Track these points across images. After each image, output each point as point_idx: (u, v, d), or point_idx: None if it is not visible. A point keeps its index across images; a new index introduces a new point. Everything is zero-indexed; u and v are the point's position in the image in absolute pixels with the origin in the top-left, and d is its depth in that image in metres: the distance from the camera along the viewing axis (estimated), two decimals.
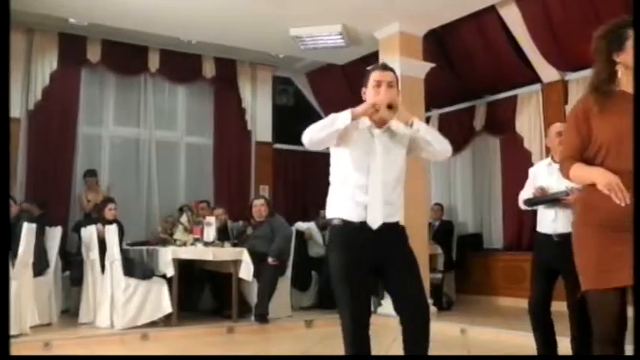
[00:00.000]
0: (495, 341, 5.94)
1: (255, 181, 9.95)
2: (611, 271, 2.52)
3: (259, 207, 7.13)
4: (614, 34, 2.63)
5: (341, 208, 3.04)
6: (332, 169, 3.17)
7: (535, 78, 8.29)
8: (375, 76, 3.11)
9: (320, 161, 10.85)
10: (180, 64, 9.39)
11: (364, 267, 2.96)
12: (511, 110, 8.63)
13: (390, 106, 2.92)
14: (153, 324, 6.23)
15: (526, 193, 4.38)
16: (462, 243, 8.89)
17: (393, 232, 3.03)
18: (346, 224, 2.99)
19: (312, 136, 2.99)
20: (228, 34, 8.07)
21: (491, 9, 7.61)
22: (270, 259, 6.77)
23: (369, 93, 3.09)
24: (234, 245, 6.92)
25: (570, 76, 8.02)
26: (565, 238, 4.07)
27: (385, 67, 3.16)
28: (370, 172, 3.01)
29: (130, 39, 8.67)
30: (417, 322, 3.01)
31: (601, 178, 2.49)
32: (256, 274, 6.63)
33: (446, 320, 6.86)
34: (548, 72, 8.10)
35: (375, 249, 2.95)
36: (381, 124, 3.05)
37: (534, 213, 4.48)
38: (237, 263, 6.57)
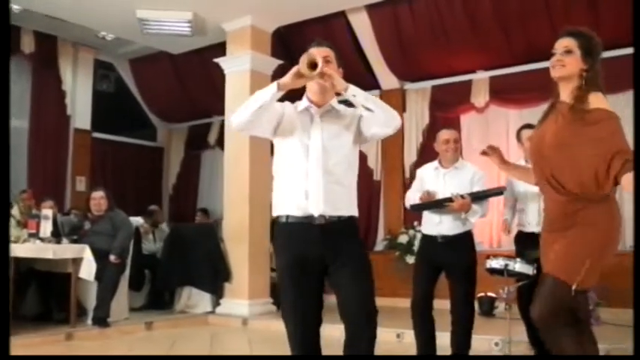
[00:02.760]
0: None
1: (72, 172, 9.06)
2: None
3: (98, 200, 6.48)
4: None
5: (283, 203, 2.82)
6: (274, 162, 2.94)
7: (375, 84, 8.62)
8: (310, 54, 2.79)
9: (143, 154, 10.46)
10: None
11: (310, 267, 2.74)
12: None
13: (312, 65, 2.63)
14: None
15: (413, 194, 4.49)
16: None
17: (339, 227, 2.77)
18: (289, 221, 2.78)
19: (239, 117, 2.79)
20: (64, 4, 7.19)
21: (341, 14, 7.82)
22: (112, 257, 6.19)
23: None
24: (74, 242, 6.22)
25: (409, 86, 8.52)
26: (449, 240, 4.33)
27: (319, 43, 2.92)
28: (310, 157, 2.77)
29: None
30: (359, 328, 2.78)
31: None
32: (96, 274, 6.02)
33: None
34: (388, 80, 8.51)
35: (320, 247, 2.72)
36: (320, 103, 2.83)
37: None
38: (77, 262, 5.91)
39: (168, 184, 10.74)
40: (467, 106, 8.01)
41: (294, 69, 2.67)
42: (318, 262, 2.74)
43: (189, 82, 9.69)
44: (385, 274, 8.01)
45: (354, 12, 7.82)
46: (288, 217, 2.78)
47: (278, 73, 7.85)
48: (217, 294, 7.34)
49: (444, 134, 4.45)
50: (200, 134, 10.38)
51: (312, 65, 2.63)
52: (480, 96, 7.90)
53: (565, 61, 2.72)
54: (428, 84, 8.36)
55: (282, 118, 2.84)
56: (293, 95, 2.85)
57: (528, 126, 4.67)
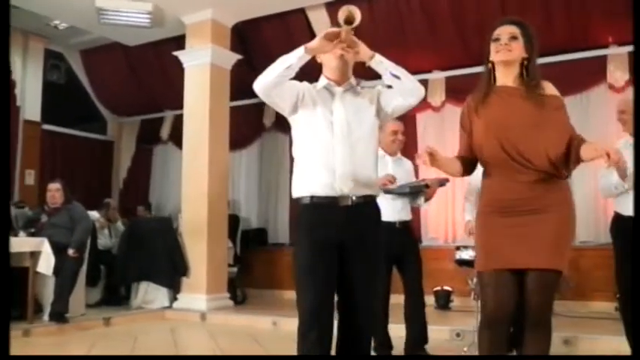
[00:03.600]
0: None
1: (21, 165, 8.77)
2: (494, 255, 2.67)
3: (54, 192, 6.31)
4: (490, 37, 2.82)
5: (307, 183, 2.74)
6: (294, 143, 2.87)
7: None
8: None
9: (93, 147, 10.21)
10: None
11: (332, 250, 2.67)
12: None
13: (348, 22, 2.61)
14: None
15: None
16: (246, 238, 8.94)
17: (366, 208, 2.76)
18: (315, 201, 2.70)
19: (264, 79, 2.71)
20: None
21: (301, 11, 7.85)
22: (70, 251, 6.05)
23: (326, 56, 2.82)
24: (32, 235, 6.04)
25: (364, 84, 8.40)
26: (405, 226, 4.48)
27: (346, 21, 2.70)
28: (335, 132, 2.72)
29: None
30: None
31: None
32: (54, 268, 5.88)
33: (256, 314, 6.88)
34: None
35: (344, 228, 2.67)
36: (340, 80, 2.82)
37: None
38: (35, 255, 5.76)
39: (118, 179, 10.52)
40: (423, 105, 8.14)
41: (324, 33, 2.66)
42: (336, 247, 2.68)
43: (142, 75, 9.52)
44: None
45: (313, 9, 7.85)
46: (312, 197, 2.71)
47: (236, 68, 7.85)
48: (174, 289, 7.28)
49: (393, 125, 4.58)
50: (152, 128, 10.22)
51: (349, 21, 2.59)
52: (436, 95, 8.09)
53: (512, 46, 2.74)
54: (375, 82, 8.44)
55: (303, 94, 2.79)
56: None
57: None
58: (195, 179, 7.34)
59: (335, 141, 2.72)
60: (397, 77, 2.71)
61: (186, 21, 7.57)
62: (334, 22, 8.28)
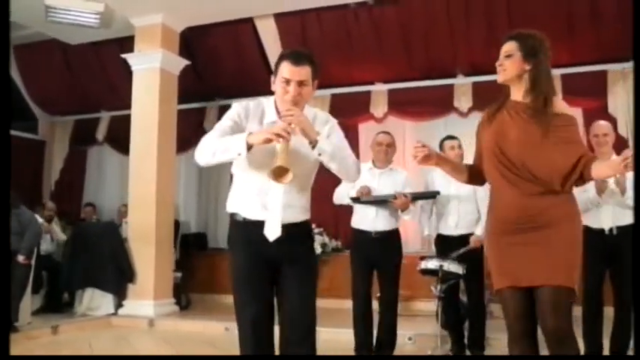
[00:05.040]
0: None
1: None
2: (506, 273, 2.72)
3: None
4: None
5: (242, 205, 2.76)
6: (234, 163, 2.81)
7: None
8: (283, 69, 2.68)
9: (22, 147, 9.72)
10: None
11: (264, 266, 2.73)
12: None
13: (280, 171, 2.47)
14: None
15: (344, 189, 4.77)
16: (186, 242, 8.91)
17: (292, 232, 2.72)
18: (246, 220, 2.72)
19: (205, 159, 2.66)
20: None
21: (249, 19, 7.95)
22: (20, 257, 5.88)
23: (277, 88, 2.72)
24: None
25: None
26: (383, 235, 4.69)
27: (298, 60, 2.66)
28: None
29: None
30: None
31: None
32: None
33: (205, 319, 6.91)
34: None
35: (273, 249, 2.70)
36: None
37: None
38: None
39: (50, 181, 10.15)
40: (366, 116, 8.41)
41: (266, 134, 2.51)
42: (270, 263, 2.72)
43: (80, 74, 9.27)
44: None
45: (261, 19, 7.97)
46: (245, 218, 2.73)
47: (183, 74, 7.83)
48: (120, 295, 7.18)
49: (378, 137, 4.87)
50: (87, 129, 9.92)
51: (279, 173, 2.48)
52: (379, 106, 8.35)
53: (505, 65, 2.78)
54: (328, 92, 8.65)
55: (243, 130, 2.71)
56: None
57: (450, 137, 5.13)
58: (143, 183, 7.27)
59: (271, 185, 2.62)
60: (331, 169, 2.68)
61: (135, 24, 7.49)
62: (281, 32, 8.47)
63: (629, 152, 2.46)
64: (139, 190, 7.29)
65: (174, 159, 7.66)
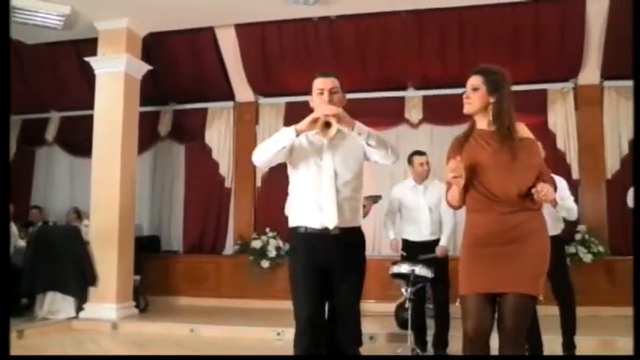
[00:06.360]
0: (229, 337, 6.45)
1: None
2: (474, 281, 2.98)
3: None
4: None
5: (301, 215, 3.25)
6: (290, 177, 3.35)
7: (230, 95, 9.02)
8: (317, 83, 3.28)
9: None
10: None
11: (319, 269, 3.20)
12: (201, 121, 9.15)
13: (327, 124, 3.04)
14: None
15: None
16: (139, 245, 8.91)
17: (349, 237, 3.22)
18: (307, 230, 3.20)
19: (260, 157, 3.22)
20: None
21: (210, 27, 8.14)
22: None
23: (315, 101, 3.28)
24: None
25: (263, 101, 9.03)
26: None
27: (326, 74, 3.31)
28: (323, 177, 3.19)
29: None
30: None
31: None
32: None
33: (168, 321, 7.03)
34: (244, 93, 8.95)
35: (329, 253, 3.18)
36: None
37: None
38: None
39: None
40: None
41: (310, 120, 3.08)
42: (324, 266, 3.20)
43: (30, 74, 9.11)
44: (236, 276, 8.50)
45: (222, 28, 8.17)
46: (306, 228, 3.21)
47: (145, 79, 7.90)
48: (82, 299, 7.17)
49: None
50: (36, 129, 9.76)
51: (326, 125, 3.05)
52: None
53: (471, 98, 3.02)
54: (282, 100, 8.91)
55: (294, 146, 3.24)
56: None
57: (419, 153, 5.58)
58: (106, 186, 7.28)
59: (323, 182, 3.22)
60: (371, 146, 3.21)
61: (99, 27, 7.49)
62: (241, 42, 8.69)
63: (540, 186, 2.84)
64: (102, 193, 7.30)
65: (135, 162, 7.72)
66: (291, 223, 3.32)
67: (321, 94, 3.26)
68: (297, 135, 3.12)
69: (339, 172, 3.22)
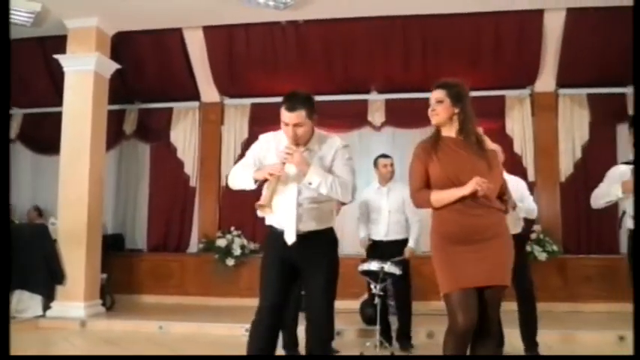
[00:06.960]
0: (198, 333, 6.57)
1: None
2: (457, 278, 3.16)
3: None
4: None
5: (271, 216, 3.52)
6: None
7: (196, 95, 9.12)
8: (282, 116, 3.36)
9: None
10: None
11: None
12: (166, 121, 9.21)
13: (260, 207, 3.37)
14: None
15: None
16: (104, 243, 8.90)
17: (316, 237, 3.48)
18: (277, 230, 3.50)
19: (233, 186, 3.56)
20: None
21: (178, 30, 8.24)
22: None
23: (282, 126, 3.41)
24: None
25: (229, 101, 9.15)
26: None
27: (292, 108, 3.33)
28: (287, 191, 3.41)
29: None
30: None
31: (464, 189, 3.12)
32: None
33: (136, 319, 7.11)
34: (210, 93, 9.05)
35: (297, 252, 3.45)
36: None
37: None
38: None
39: None
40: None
41: (264, 175, 3.34)
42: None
43: None
44: (200, 274, 8.62)
45: (190, 29, 8.28)
46: (277, 227, 3.50)
47: (112, 77, 7.92)
48: (49, 297, 7.16)
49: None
50: None
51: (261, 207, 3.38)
52: None
53: (437, 110, 3.27)
54: (248, 101, 9.04)
55: (262, 162, 3.50)
56: None
57: (384, 156, 5.89)
58: (74, 184, 7.28)
59: (285, 197, 3.46)
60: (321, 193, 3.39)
61: (68, 25, 7.49)
62: (209, 43, 8.80)
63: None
64: (70, 191, 7.30)
65: (103, 160, 7.75)
66: (266, 221, 3.59)
67: (287, 125, 3.35)
68: (255, 182, 3.39)
69: (303, 189, 3.41)
